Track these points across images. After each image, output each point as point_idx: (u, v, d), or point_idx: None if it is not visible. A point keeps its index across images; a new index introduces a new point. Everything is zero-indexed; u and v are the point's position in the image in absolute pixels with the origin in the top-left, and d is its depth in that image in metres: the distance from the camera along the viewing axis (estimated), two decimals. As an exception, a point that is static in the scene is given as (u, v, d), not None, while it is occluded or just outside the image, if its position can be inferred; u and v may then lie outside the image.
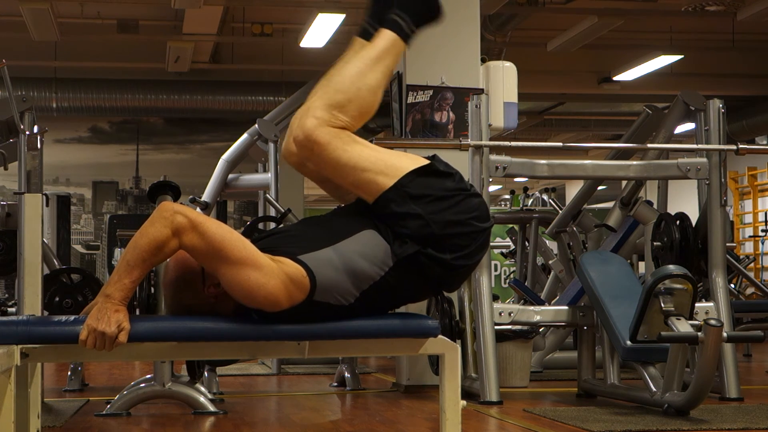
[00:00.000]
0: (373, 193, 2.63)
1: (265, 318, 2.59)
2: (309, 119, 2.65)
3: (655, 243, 5.48)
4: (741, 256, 11.52)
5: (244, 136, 7.85)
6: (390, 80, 2.79)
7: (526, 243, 8.38)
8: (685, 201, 8.47)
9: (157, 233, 2.50)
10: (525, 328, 5.66)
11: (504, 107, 5.78)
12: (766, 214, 14.79)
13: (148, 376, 4.80)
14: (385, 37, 2.78)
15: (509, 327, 5.49)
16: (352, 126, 2.69)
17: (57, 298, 4.98)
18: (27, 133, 4.02)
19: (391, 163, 2.65)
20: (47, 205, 6.45)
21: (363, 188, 2.65)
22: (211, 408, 4.62)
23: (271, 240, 2.71)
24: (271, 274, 2.52)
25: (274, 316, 2.57)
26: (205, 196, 7.63)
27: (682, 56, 11.78)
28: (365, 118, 2.73)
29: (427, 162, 2.68)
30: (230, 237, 2.53)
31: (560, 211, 7.47)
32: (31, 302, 3.73)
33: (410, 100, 5.76)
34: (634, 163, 5.49)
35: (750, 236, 15.30)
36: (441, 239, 2.60)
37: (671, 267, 4.39)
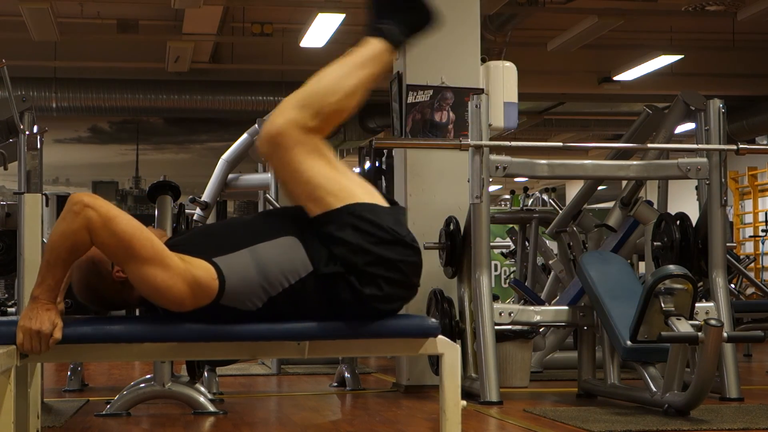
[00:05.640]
0: (317, 209, 2.62)
1: (171, 315, 2.59)
2: (280, 117, 2.63)
3: (655, 243, 5.47)
4: (741, 256, 11.52)
5: (244, 136, 7.83)
6: (368, 86, 2.78)
7: (526, 243, 8.38)
8: (685, 201, 8.47)
9: (68, 229, 2.49)
10: (525, 328, 5.66)
11: (504, 107, 5.78)
12: (766, 214, 14.78)
13: (148, 376, 4.80)
14: (371, 44, 2.77)
15: (509, 327, 5.49)
16: (323, 129, 2.66)
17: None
18: (27, 133, 4.01)
19: (346, 187, 2.63)
20: (47, 205, 6.43)
21: (310, 202, 2.63)
22: (211, 408, 4.62)
23: (191, 237, 2.72)
24: (178, 275, 2.52)
25: (179, 313, 2.58)
26: (205, 196, 7.62)
27: (682, 56, 11.78)
28: (338, 121, 2.71)
29: (382, 201, 2.67)
30: (140, 235, 2.52)
31: (560, 211, 7.46)
32: (31, 302, 3.72)
33: (410, 100, 5.76)
34: (634, 163, 5.49)
35: (750, 236, 15.30)
36: (364, 272, 2.58)
37: (671, 267, 4.39)
